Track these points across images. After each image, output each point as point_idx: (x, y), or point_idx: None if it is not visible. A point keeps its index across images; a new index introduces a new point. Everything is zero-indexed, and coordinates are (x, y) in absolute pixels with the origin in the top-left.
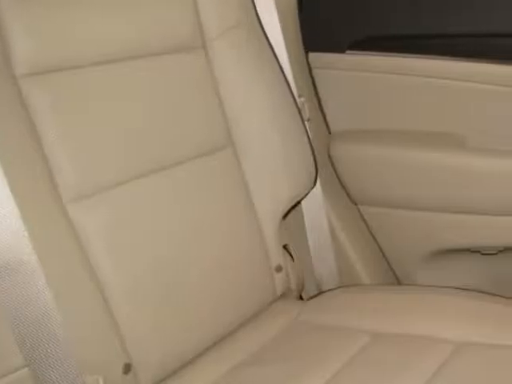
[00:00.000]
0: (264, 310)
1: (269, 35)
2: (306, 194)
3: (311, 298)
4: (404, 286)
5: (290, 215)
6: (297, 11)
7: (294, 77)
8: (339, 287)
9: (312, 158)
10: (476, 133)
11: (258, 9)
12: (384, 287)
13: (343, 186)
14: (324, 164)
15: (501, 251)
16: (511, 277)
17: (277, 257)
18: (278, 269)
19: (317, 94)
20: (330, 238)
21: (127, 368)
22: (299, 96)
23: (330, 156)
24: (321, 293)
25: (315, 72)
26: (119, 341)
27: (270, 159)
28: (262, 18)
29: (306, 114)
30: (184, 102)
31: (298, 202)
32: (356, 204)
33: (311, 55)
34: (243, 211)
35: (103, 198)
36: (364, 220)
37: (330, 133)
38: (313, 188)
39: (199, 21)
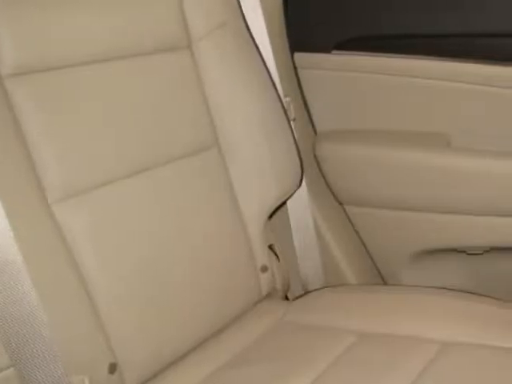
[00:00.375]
0: (249, 310)
1: (254, 36)
2: (292, 194)
3: (297, 298)
4: (390, 286)
5: (275, 215)
6: (282, 11)
7: (280, 77)
8: (325, 287)
9: (298, 158)
10: (461, 133)
11: (243, 9)
12: (370, 287)
13: (329, 186)
14: (310, 164)
15: (486, 251)
16: (497, 277)
17: (262, 257)
18: (264, 269)
19: (302, 94)
20: (316, 238)
21: (113, 368)
22: (285, 96)
23: (315, 156)
24: (306, 293)
25: (301, 72)
26: (105, 340)
27: (256, 159)
28: (247, 18)
29: (292, 114)
30: (170, 103)
31: (284, 202)
32: (342, 204)
33: (297, 55)
34: (228, 211)
35: (89, 198)
36: (350, 220)
37: (315, 133)
38: (298, 188)
39: (185, 21)
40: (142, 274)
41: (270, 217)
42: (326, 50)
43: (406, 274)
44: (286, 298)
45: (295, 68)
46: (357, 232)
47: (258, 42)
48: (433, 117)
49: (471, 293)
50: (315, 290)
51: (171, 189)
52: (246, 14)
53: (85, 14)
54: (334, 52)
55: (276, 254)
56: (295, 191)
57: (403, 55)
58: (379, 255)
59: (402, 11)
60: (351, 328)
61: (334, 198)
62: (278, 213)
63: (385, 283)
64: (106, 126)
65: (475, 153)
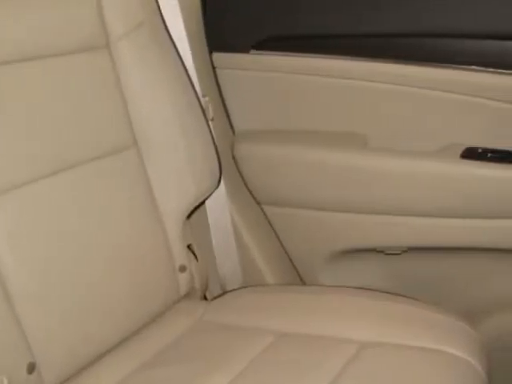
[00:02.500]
0: (168, 310)
1: (173, 35)
2: (210, 194)
3: (215, 297)
4: (308, 286)
5: (194, 215)
6: (201, 11)
7: (199, 76)
8: (243, 287)
9: (216, 158)
10: (380, 133)
11: (161, 9)
12: (288, 287)
13: (247, 186)
14: (228, 164)
15: (404, 251)
16: (415, 277)
17: (181, 257)
18: (182, 269)
19: (221, 93)
20: (234, 238)
21: (31, 367)
22: (203, 96)
23: (233, 156)
24: (225, 293)
25: (219, 72)
26: (23, 340)
27: (174, 159)
28: (165, 17)
29: (210, 114)
30: (88, 102)
31: (202, 202)
32: (260, 204)
33: (215, 55)
34: (147, 211)
35: (7, 197)
36: (268, 220)
37: (234, 133)
38: (217, 188)
39: (103, 20)
40: (60, 273)
41: (189, 217)
42: (244, 49)
43: (324, 274)
44: (205, 298)
45: (214, 68)
46: (275, 232)
47: (176, 41)
48: (351, 117)
49: (389, 293)
50: (233, 289)
51: (90, 188)
52: (164, 14)
53: (1, 13)
54: (253, 52)
55: (194, 254)
56: (214, 191)
57: (321, 55)
58: (298, 255)
59: (320, 11)
60: (269, 328)
61: (252, 198)
62: (197, 213)
63: (303, 283)
64: (25, 126)
65: (393, 153)
